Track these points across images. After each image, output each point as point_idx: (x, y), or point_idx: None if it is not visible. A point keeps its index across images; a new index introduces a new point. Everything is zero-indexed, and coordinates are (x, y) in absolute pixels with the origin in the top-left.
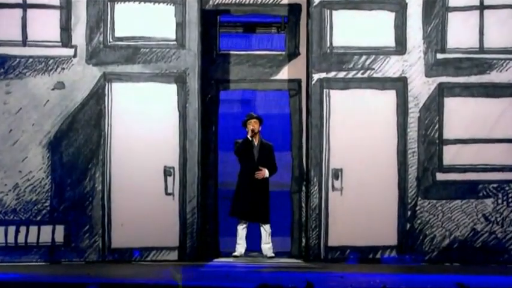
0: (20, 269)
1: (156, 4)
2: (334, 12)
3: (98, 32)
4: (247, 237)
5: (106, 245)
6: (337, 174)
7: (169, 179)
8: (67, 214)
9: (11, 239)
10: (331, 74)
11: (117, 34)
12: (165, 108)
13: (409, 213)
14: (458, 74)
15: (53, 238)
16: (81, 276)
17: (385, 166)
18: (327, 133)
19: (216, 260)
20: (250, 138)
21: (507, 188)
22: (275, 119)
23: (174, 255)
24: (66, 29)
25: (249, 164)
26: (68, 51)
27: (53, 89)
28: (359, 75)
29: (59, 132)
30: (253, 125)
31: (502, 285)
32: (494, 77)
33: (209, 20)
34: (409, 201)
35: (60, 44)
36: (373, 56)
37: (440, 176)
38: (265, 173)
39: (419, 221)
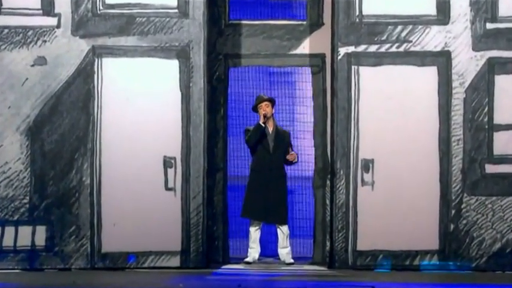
0: None
1: None
2: None
3: None
4: (261, 241)
5: (95, 249)
6: (367, 165)
7: (170, 171)
8: (49, 213)
9: None
10: (361, 48)
11: (108, 0)
12: (165, 88)
13: (452, 212)
14: (511, 48)
15: (33, 241)
16: (67, 286)
17: (424, 156)
18: (356, 118)
19: (225, 267)
20: (263, 125)
21: None
22: (294, 101)
23: (175, 261)
24: None
25: (263, 154)
26: (50, 21)
27: (32, 65)
28: (393, 49)
29: (39, 116)
30: (264, 108)
31: None
32: None
33: None
34: (453, 197)
35: (40, 12)
36: (411, 27)
37: (490, 168)
38: (295, 156)
39: (465, 222)
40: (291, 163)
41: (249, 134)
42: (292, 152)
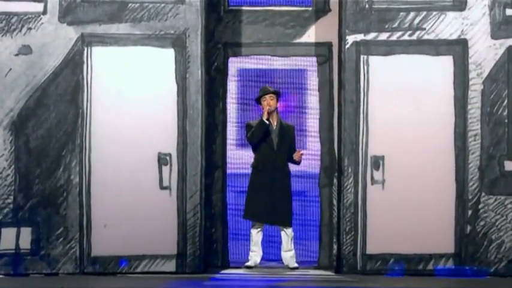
0: None
1: None
2: None
3: None
4: (263, 244)
5: (85, 252)
6: (377, 163)
7: (165, 169)
8: (35, 213)
9: None
10: (370, 36)
11: None
12: (160, 80)
13: (469, 212)
14: None
15: (17, 244)
16: None
17: (438, 153)
18: (365, 111)
19: (224, 271)
20: (267, 122)
21: None
22: (299, 94)
23: (171, 266)
24: None
25: (267, 151)
26: (35, 7)
27: (16, 55)
28: (406, 37)
29: (24, 109)
30: (268, 101)
31: None
32: None
33: None
34: (470, 197)
35: None
36: (424, 13)
37: (509, 166)
38: (301, 155)
39: (482, 223)
40: (296, 163)
41: (251, 131)
42: (300, 150)
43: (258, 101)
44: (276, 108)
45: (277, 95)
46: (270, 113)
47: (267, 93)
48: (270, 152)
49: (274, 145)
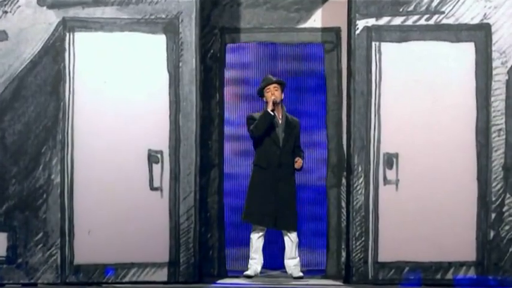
0: None
1: None
2: None
3: None
4: (264, 250)
5: (67, 260)
6: (390, 161)
7: (156, 167)
8: (12, 218)
9: None
10: (383, 21)
11: None
12: (150, 69)
13: (492, 216)
14: None
15: None
16: None
17: (458, 150)
18: (377, 104)
19: (220, 281)
20: (272, 113)
21: None
22: (303, 84)
23: (162, 275)
24: None
25: (271, 148)
26: None
27: None
28: (422, 21)
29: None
30: (273, 92)
31: None
32: None
33: None
34: (493, 199)
35: None
36: None
37: None
38: (302, 163)
39: (507, 228)
40: (296, 170)
41: (254, 123)
42: (299, 159)
43: (261, 92)
44: (281, 101)
45: (282, 85)
46: (275, 105)
47: (270, 83)
48: (275, 149)
49: (279, 141)
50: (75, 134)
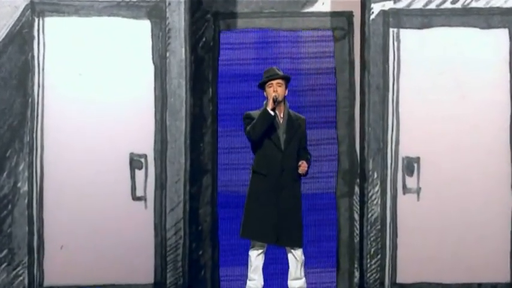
0: None
1: None
2: None
3: None
4: (264, 269)
5: (36, 281)
6: (411, 166)
7: (139, 174)
8: None
9: None
10: (402, 4)
11: None
12: (132, 60)
13: None
14: None
15: None
16: None
17: (489, 154)
18: (395, 100)
19: None
20: (272, 113)
21: None
22: (310, 78)
23: None
24: None
25: (272, 152)
26: None
27: None
28: (447, 4)
29: None
30: (275, 88)
31: None
32: None
33: None
34: None
35: None
36: None
37: None
38: (306, 167)
39: None
40: (300, 175)
41: (252, 123)
42: (303, 162)
43: (262, 87)
44: (284, 97)
45: (287, 80)
46: (277, 104)
47: (274, 77)
48: (276, 152)
49: (281, 143)
50: (45, 135)
